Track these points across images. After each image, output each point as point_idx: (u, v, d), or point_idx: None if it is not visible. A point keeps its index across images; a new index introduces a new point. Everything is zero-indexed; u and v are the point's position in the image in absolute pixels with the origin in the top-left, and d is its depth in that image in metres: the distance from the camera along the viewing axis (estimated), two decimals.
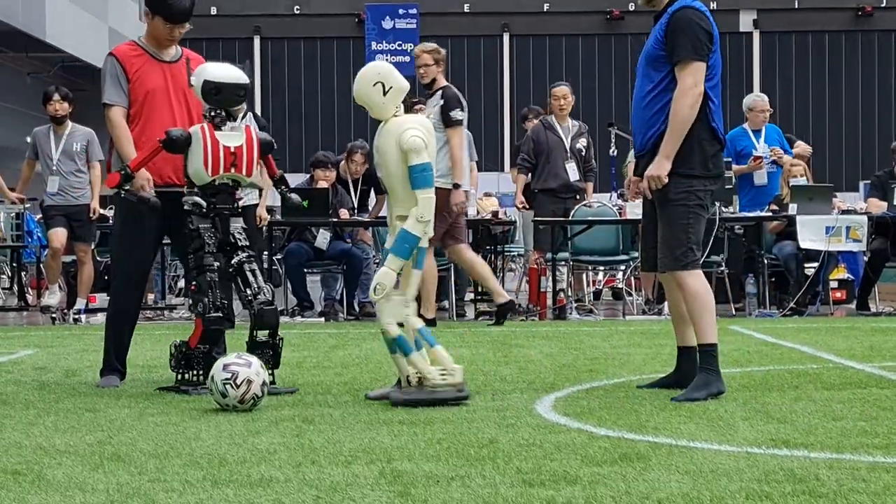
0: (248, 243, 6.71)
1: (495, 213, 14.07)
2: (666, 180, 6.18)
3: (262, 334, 6.62)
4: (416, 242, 6.06)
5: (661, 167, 6.19)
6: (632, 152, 13.07)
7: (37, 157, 12.25)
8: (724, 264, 12.24)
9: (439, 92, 10.81)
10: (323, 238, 12.50)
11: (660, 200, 6.32)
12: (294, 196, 7.20)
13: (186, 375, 6.70)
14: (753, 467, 4.42)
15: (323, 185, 12.59)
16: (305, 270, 12.60)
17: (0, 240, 13.45)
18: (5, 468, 4.57)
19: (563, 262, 12.41)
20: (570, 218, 12.33)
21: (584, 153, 12.80)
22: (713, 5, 35.72)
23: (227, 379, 5.87)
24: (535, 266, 12.26)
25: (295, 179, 18.02)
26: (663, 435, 5.14)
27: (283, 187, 7.10)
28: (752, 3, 36.81)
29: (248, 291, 6.59)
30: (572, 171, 12.63)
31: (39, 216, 15.18)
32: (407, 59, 33.83)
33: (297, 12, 38.76)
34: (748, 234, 12.82)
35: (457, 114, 10.63)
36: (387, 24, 33.60)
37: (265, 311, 6.56)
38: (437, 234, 9.62)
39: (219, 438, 5.18)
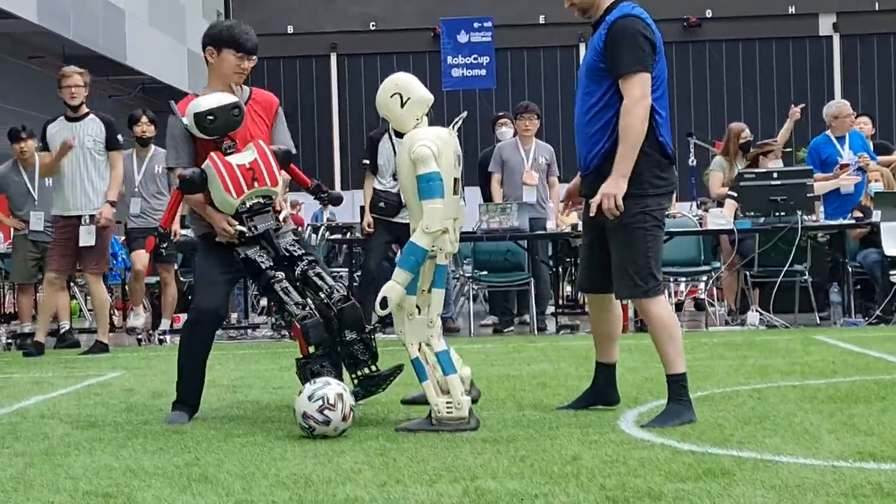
0: (304, 251, 6.54)
1: (574, 227, 14.01)
2: (621, 202, 5.77)
3: (350, 333, 6.43)
4: (422, 255, 5.86)
5: (617, 185, 5.78)
6: (716, 159, 13.06)
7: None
8: (807, 273, 12.11)
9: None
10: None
11: (613, 224, 5.91)
12: (335, 192, 7.23)
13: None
14: (840, 481, 4.38)
15: None
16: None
17: None
18: (96, 491, 4.65)
19: None
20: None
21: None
22: (791, 9, 35.43)
23: (320, 407, 5.76)
24: None
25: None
26: (748, 449, 5.10)
27: (321, 194, 7.08)
28: (832, 6, 36.38)
29: (322, 295, 6.43)
30: None
31: (123, 238, 15.41)
32: (483, 72, 33.95)
33: (373, 28, 38.99)
34: (832, 242, 12.67)
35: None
36: (462, 37, 33.69)
37: (345, 308, 6.39)
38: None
39: (304, 458, 5.23)
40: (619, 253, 5.97)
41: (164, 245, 6.85)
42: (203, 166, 6.38)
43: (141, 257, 12.18)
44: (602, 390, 6.45)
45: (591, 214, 5.98)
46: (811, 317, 12.08)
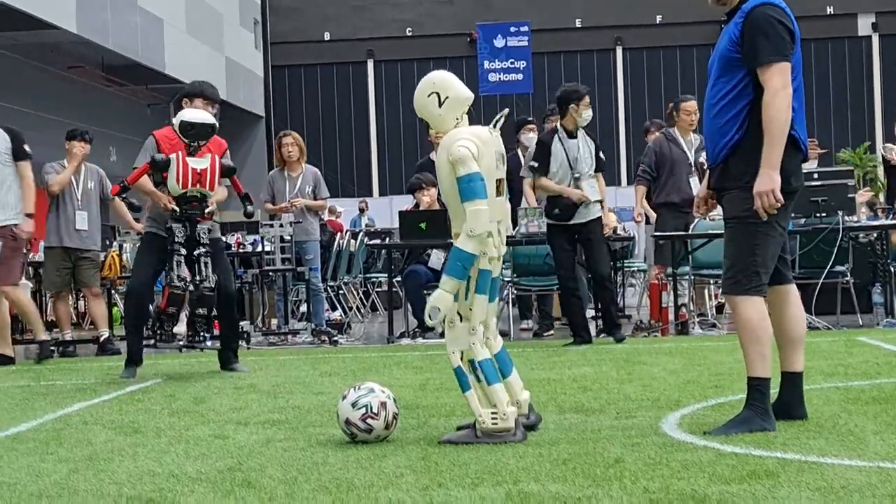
0: (208, 242, 9.18)
1: (615, 229, 13.99)
2: (780, 195, 5.60)
3: (201, 311, 9.27)
4: (469, 260, 5.60)
5: (770, 180, 5.59)
6: None
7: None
8: (849, 274, 12.02)
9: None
10: (437, 258, 12.56)
11: (726, 218, 5.84)
12: (250, 208, 9.69)
13: (160, 333, 9.29)
14: (886, 482, 4.34)
15: (427, 201, 12.69)
16: (425, 292, 12.64)
17: (123, 269, 13.71)
18: (140, 496, 4.67)
19: (684, 277, 12.30)
20: (690, 232, 12.22)
21: (705, 167, 12.63)
22: (829, 10, 35.23)
23: (363, 415, 5.73)
24: (657, 281, 12.17)
25: (407, 201, 18.15)
26: (792, 451, 5.06)
27: (246, 202, 9.61)
28: (871, 5, 36.16)
29: (198, 278, 9.14)
30: (695, 186, 12.48)
31: None
32: (520, 76, 33.95)
33: (410, 34, 39.06)
34: (874, 242, 12.57)
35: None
36: (499, 42, 33.72)
37: (205, 294, 9.18)
38: None
39: (346, 463, 5.23)
40: (727, 246, 5.81)
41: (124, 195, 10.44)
42: (171, 157, 9.00)
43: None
44: (787, 403, 5.91)
45: (727, 214, 5.80)
46: (853, 318, 11.99)
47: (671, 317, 11.94)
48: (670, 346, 10.31)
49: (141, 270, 9.51)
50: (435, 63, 37.67)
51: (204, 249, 9.15)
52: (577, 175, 11.10)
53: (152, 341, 9.53)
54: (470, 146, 5.66)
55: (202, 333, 9.37)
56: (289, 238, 12.55)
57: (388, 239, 18.33)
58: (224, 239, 12.64)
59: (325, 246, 14.14)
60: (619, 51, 39.00)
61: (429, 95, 5.83)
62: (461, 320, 5.72)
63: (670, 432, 5.72)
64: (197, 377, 9.19)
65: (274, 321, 13.59)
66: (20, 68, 25.76)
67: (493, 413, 5.64)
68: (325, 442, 5.84)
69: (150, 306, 10.28)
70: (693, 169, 12.54)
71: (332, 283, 15.00)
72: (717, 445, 5.25)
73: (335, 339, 12.36)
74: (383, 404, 5.79)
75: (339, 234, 16.80)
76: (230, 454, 5.59)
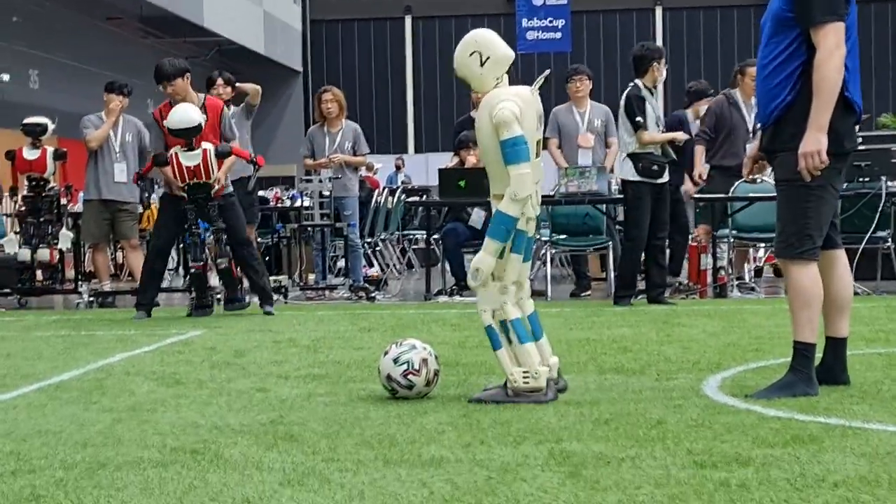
0: (219, 219, 10.42)
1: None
2: (825, 157, 5.51)
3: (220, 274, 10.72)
4: (512, 223, 5.60)
5: (816, 141, 5.51)
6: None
7: None
8: (890, 239, 11.93)
9: None
10: (478, 216, 12.53)
11: (777, 179, 5.79)
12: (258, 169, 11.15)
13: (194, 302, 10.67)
14: None
15: (473, 161, 12.63)
16: (463, 250, 12.65)
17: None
18: (184, 447, 4.70)
19: (724, 240, 12.25)
20: (730, 195, 12.15)
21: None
22: None
23: (405, 371, 5.73)
24: (696, 243, 12.12)
25: (443, 159, 18.12)
26: (835, 416, 5.04)
27: (256, 165, 11.00)
28: None
29: (218, 253, 10.53)
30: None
31: None
32: (559, 35, 33.74)
33: None
34: None
35: None
36: (537, 0, 33.47)
37: (221, 270, 10.61)
38: None
39: (387, 419, 5.24)
40: (780, 209, 5.76)
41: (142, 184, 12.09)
42: (168, 155, 10.28)
43: None
44: (831, 368, 5.86)
45: (778, 176, 5.75)
46: (894, 284, 11.91)
47: (709, 279, 11.88)
48: (709, 309, 10.27)
49: (161, 233, 10.72)
50: (473, 20, 37.45)
51: (215, 227, 10.44)
52: (662, 130, 11.07)
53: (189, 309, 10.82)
54: (513, 107, 5.62)
55: (234, 295, 10.68)
56: (328, 193, 12.55)
57: (425, 196, 18.30)
58: (260, 193, 12.74)
59: (363, 202, 14.13)
60: (658, 11, 38.71)
61: (470, 54, 5.77)
62: (493, 279, 5.71)
63: (712, 395, 5.71)
64: (236, 330, 9.23)
65: (311, 276, 13.61)
66: (59, 19, 25.81)
67: (524, 372, 5.64)
68: (366, 397, 5.86)
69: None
70: (750, 135, 12.43)
71: (369, 240, 15.02)
72: (759, 409, 5.24)
73: (372, 295, 12.38)
74: (424, 361, 5.80)
75: (376, 190, 16.80)
76: (272, 407, 5.62)
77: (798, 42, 5.61)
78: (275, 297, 11.35)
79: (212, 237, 10.58)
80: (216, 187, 10.37)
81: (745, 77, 12.50)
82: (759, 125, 5.98)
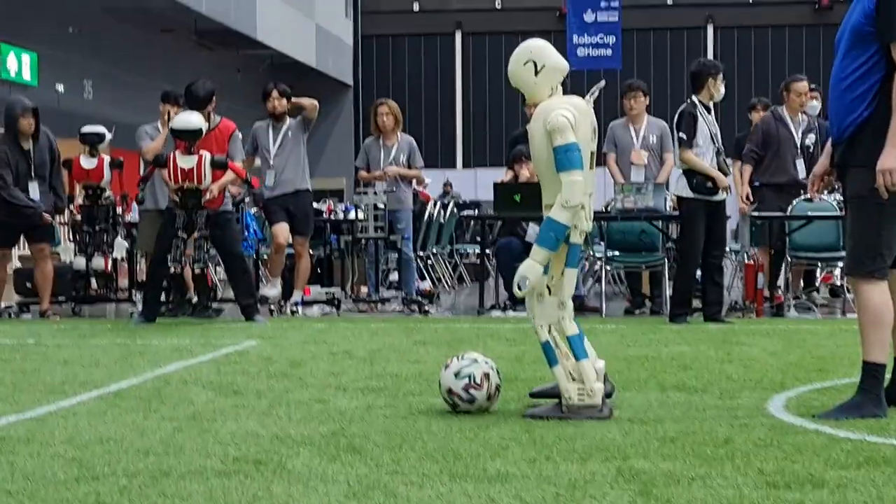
0: (204, 227, 10.90)
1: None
2: None
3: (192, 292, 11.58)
4: (562, 231, 5.52)
5: (894, 159, 5.39)
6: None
7: (255, 151, 12.51)
8: None
9: None
10: (533, 231, 12.45)
11: (849, 196, 5.70)
12: (257, 192, 12.16)
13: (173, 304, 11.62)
14: None
15: (526, 175, 12.57)
16: (517, 265, 12.54)
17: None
18: (246, 457, 4.67)
19: (780, 259, 12.10)
20: (788, 213, 12.01)
21: (811, 150, 12.36)
22: None
23: (466, 385, 5.68)
24: (752, 262, 11.99)
25: (492, 174, 18.07)
26: None
27: (251, 188, 11.99)
28: None
29: (195, 258, 10.98)
30: (801, 168, 12.24)
31: (255, 210, 15.54)
32: (609, 52, 33.64)
33: (499, 7, 38.88)
34: None
35: None
36: (588, 17, 33.36)
37: (196, 274, 11.40)
38: None
39: (449, 432, 5.19)
40: (851, 226, 5.68)
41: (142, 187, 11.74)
42: (167, 155, 10.93)
43: (283, 231, 12.22)
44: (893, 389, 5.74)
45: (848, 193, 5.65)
46: None
47: (766, 293, 11.74)
48: (766, 328, 10.15)
49: (163, 243, 11.04)
50: (523, 37, 37.24)
51: (198, 234, 10.91)
52: (717, 148, 10.95)
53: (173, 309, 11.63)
54: (568, 115, 5.58)
55: (205, 303, 11.50)
56: (382, 206, 12.52)
57: (476, 210, 18.26)
58: (315, 206, 12.77)
59: (416, 216, 14.10)
60: (709, 29, 38.54)
61: (525, 63, 5.74)
62: (550, 294, 5.64)
63: (777, 414, 5.63)
64: (291, 342, 9.20)
65: (364, 289, 13.59)
66: (114, 31, 25.99)
67: (579, 389, 5.58)
68: (426, 410, 5.81)
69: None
70: (798, 151, 12.31)
71: (421, 253, 14.97)
72: (829, 430, 5.14)
73: (426, 308, 12.33)
74: (486, 375, 5.74)
75: (429, 203, 16.76)
76: (332, 419, 5.58)
77: (878, 57, 5.51)
78: (324, 308, 11.69)
79: (193, 243, 10.95)
80: (207, 196, 10.85)
81: (791, 93, 12.41)
82: (833, 141, 5.84)
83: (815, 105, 13.25)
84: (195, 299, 11.97)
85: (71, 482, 4.26)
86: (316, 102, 12.36)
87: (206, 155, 10.84)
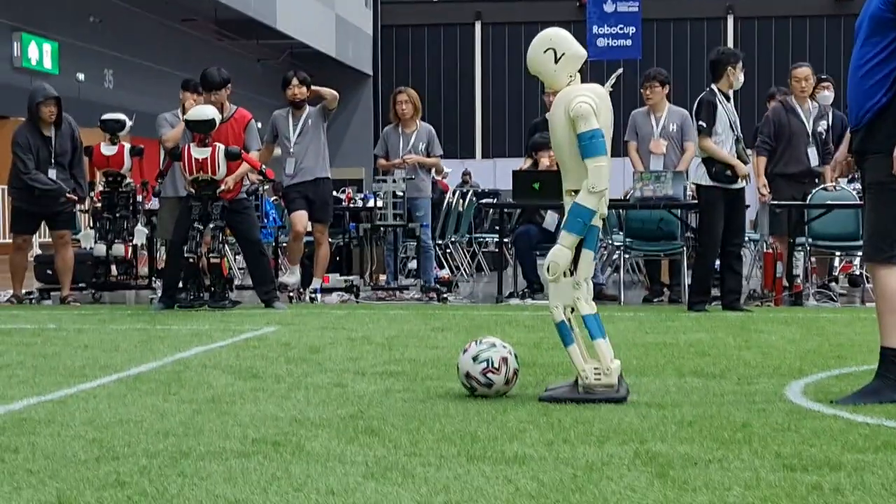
0: (219, 217, 11.01)
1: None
2: None
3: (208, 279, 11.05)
4: (590, 216, 5.58)
5: None
6: None
7: (275, 140, 12.54)
8: None
9: None
10: (552, 219, 12.47)
11: (867, 182, 5.71)
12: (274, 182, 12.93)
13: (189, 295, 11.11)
14: None
15: (547, 163, 12.57)
16: (536, 253, 12.58)
17: None
18: (265, 438, 4.69)
19: (799, 248, 12.09)
20: (807, 202, 11.99)
21: (823, 136, 12.36)
22: None
23: (484, 369, 5.70)
24: (771, 251, 11.98)
25: (511, 164, 18.08)
26: None
27: (262, 178, 12.16)
28: None
29: (211, 247, 10.98)
30: (813, 156, 12.22)
31: (274, 198, 15.59)
32: (629, 42, 33.57)
33: None
34: None
35: None
36: (608, 7, 33.28)
37: (211, 262, 10.97)
38: None
39: (467, 416, 5.21)
40: (869, 212, 5.68)
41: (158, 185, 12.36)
42: (182, 146, 11.19)
43: (302, 218, 12.24)
44: None
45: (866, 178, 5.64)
46: None
47: (784, 282, 11.73)
48: (785, 316, 10.15)
49: (180, 230, 11.15)
50: (542, 27, 37.18)
51: (213, 224, 11.00)
52: (737, 136, 10.94)
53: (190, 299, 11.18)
54: (591, 102, 5.61)
55: (221, 293, 11.13)
56: (401, 194, 12.54)
57: (495, 199, 18.27)
58: (334, 194, 12.81)
59: (434, 204, 14.12)
60: (730, 19, 38.50)
61: (545, 51, 5.75)
62: (565, 275, 5.68)
63: (795, 399, 5.62)
64: (310, 327, 9.24)
65: (382, 277, 13.61)
66: (135, 20, 26.06)
67: (595, 368, 5.60)
68: (444, 394, 5.83)
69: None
70: (810, 139, 12.29)
71: (440, 242, 14.99)
72: (846, 415, 5.14)
73: (444, 296, 12.35)
74: (504, 359, 5.76)
75: (447, 192, 16.78)
76: (351, 402, 5.60)
77: None
78: (343, 295, 11.73)
79: (209, 233, 11.01)
80: (222, 188, 11.02)
81: (791, 80, 12.40)
82: (851, 127, 5.84)
83: (828, 95, 13.22)
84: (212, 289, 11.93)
85: (91, 462, 4.30)
86: (336, 94, 12.37)
87: (220, 146, 11.01)
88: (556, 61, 5.74)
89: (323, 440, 4.68)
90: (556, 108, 5.72)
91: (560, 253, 5.62)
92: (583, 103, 5.58)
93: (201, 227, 10.98)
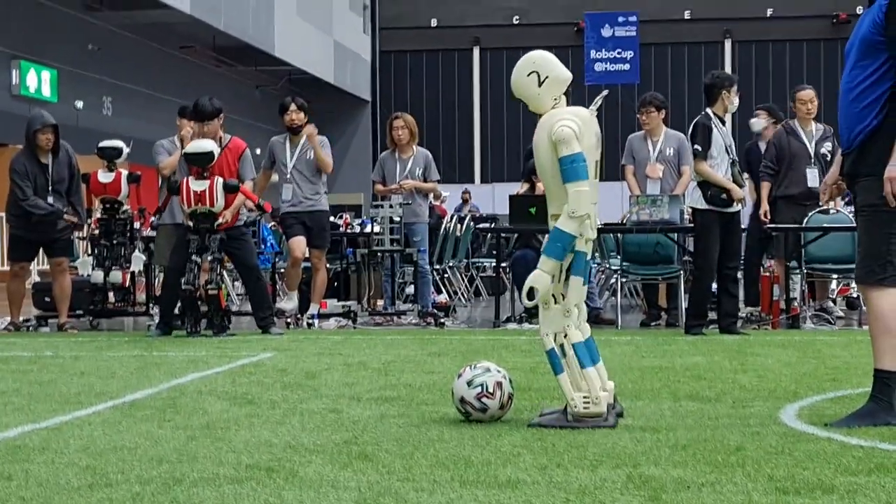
0: (217, 250, 11.03)
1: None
2: None
3: (204, 308, 10.99)
4: (569, 241, 5.53)
5: None
6: None
7: (272, 166, 12.57)
8: None
9: None
10: None
11: (859, 205, 5.72)
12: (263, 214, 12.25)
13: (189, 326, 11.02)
14: None
15: (542, 188, 12.59)
16: None
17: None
18: (258, 465, 4.69)
19: (796, 271, 12.10)
20: (804, 225, 12.01)
21: (828, 158, 12.35)
22: None
23: (479, 394, 5.69)
24: (768, 274, 11.99)
25: (510, 189, 18.09)
26: None
27: (259, 211, 11.89)
28: None
29: (205, 279, 10.94)
30: (813, 178, 12.23)
31: (272, 224, 15.60)
32: (627, 67, 33.67)
33: (517, 22, 38.97)
34: None
35: None
36: (606, 31, 33.43)
37: (209, 294, 10.92)
38: None
39: (461, 440, 5.21)
40: (861, 234, 5.70)
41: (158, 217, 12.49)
42: (181, 181, 11.19)
43: (300, 244, 12.28)
44: None
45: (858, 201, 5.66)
46: None
47: (781, 304, 11.74)
48: (782, 339, 10.15)
49: (178, 259, 11.17)
50: None
51: (211, 257, 11.00)
52: (732, 159, 10.97)
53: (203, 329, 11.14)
54: (573, 125, 5.59)
55: (220, 324, 11.02)
56: (398, 219, 12.56)
57: (493, 224, 18.30)
58: (330, 219, 12.86)
59: (432, 229, 14.14)
60: (727, 43, 38.58)
61: (528, 75, 5.74)
62: (556, 302, 5.65)
63: (790, 423, 5.63)
64: (307, 353, 9.24)
65: (380, 302, 13.62)
66: (133, 48, 26.14)
67: (584, 397, 5.57)
68: (439, 419, 5.83)
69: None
70: (812, 161, 12.31)
71: (437, 267, 15.01)
72: (840, 437, 5.15)
73: (442, 321, 12.36)
74: (499, 384, 5.76)
75: (445, 217, 16.81)
76: (345, 427, 5.60)
77: (887, 66, 5.54)
78: (340, 321, 11.68)
79: (208, 264, 11.00)
80: (220, 221, 11.04)
81: (796, 102, 12.44)
82: (840, 149, 5.86)
83: (755, 122, 13.34)
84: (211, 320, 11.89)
85: (84, 489, 4.29)
86: (330, 161, 12.53)
87: (219, 179, 11.03)
88: (540, 84, 5.72)
89: (316, 466, 4.68)
90: (540, 132, 5.70)
91: (539, 277, 5.57)
92: (564, 127, 5.56)
93: (199, 261, 10.98)
